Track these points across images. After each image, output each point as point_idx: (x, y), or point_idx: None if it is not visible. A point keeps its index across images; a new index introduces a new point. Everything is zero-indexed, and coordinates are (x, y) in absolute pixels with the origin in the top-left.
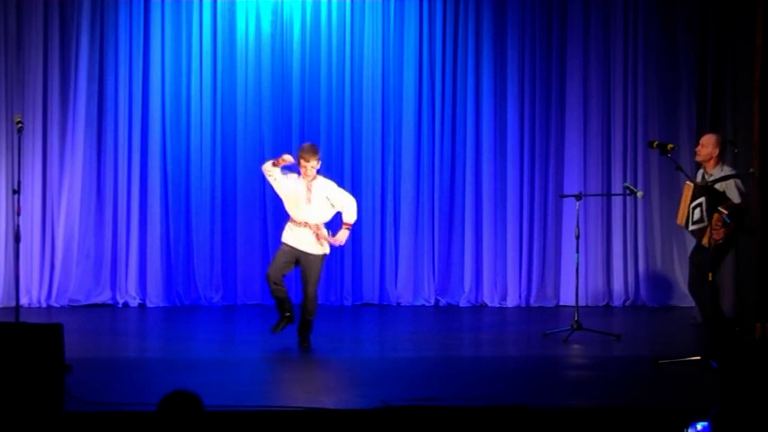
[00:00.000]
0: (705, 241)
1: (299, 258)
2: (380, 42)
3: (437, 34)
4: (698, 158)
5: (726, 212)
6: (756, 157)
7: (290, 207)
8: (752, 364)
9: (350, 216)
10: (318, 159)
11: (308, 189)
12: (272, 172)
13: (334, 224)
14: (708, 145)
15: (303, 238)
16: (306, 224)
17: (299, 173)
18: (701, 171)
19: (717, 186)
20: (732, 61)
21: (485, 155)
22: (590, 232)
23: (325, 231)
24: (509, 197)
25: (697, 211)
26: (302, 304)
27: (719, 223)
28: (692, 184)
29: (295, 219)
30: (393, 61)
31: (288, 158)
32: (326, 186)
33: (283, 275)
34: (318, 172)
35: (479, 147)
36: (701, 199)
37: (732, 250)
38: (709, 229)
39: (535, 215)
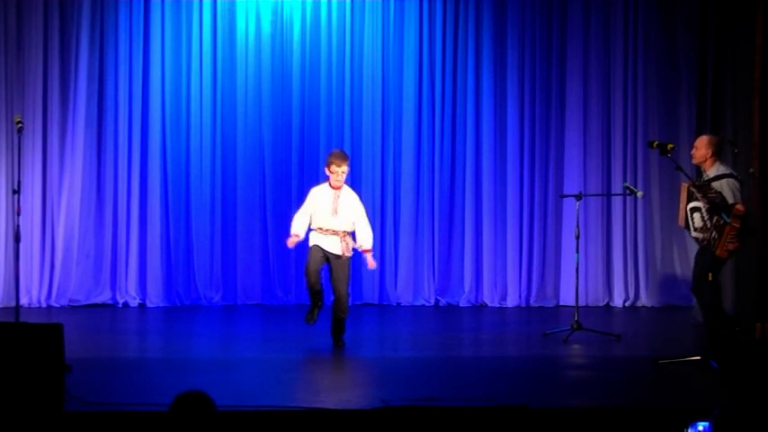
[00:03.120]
0: (719, 252)
1: (328, 259)
2: (380, 42)
3: (437, 34)
4: (693, 161)
5: (736, 226)
6: (756, 157)
7: (317, 217)
8: (752, 364)
9: (367, 241)
10: (348, 166)
11: (336, 199)
12: (306, 220)
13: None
14: (701, 147)
15: (331, 243)
16: (334, 232)
17: (326, 179)
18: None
19: (712, 185)
20: (732, 61)
21: (485, 155)
22: (590, 232)
23: (350, 240)
24: (509, 197)
25: (697, 216)
26: (334, 304)
27: (733, 233)
28: (686, 185)
29: (322, 227)
30: (393, 61)
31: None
32: (353, 199)
33: (319, 270)
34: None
35: (479, 147)
36: (698, 204)
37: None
38: (722, 241)
39: (535, 215)
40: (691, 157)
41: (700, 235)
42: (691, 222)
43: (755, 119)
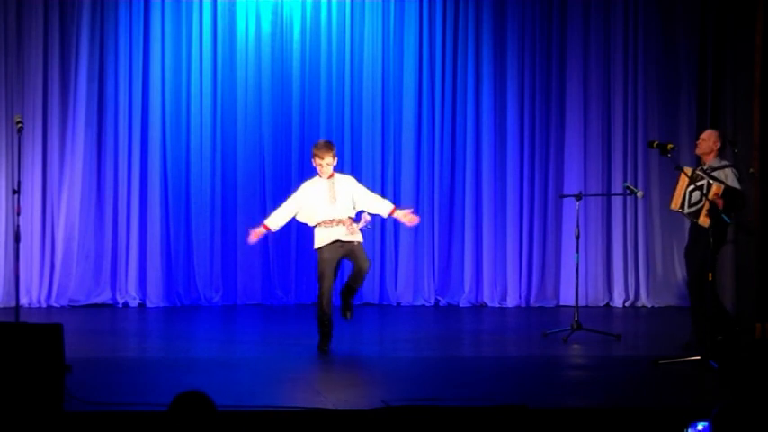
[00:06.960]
0: (702, 220)
1: (342, 254)
2: (380, 42)
3: (437, 34)
4: (697, 151)
5: (719, 195)
6: (756, 158)
7: (316, 214)
8: (752, 364)
9: (387, 204)
10: (334, 156)
11: (331, 187)
12: (286, 215)
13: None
14: (709, 139)
15: (338, 233)
16: (338, 221)
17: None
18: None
19: (715, 174)
20: (732, 61)
21: (485, 155)
22: (590, 232)
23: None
24: (509, 197)
25: (696, 193)
26: (353, 275)
27: (717, 194)
28: (688, 170)
29: (325, 220)
30: (393, 61)
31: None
32: (348, 182)
33: (332, 287)
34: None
35: (479, 147)
36: (702, 182)
37: (731, 249)
38: (705, 205)
39: (535, 215)
40: (695, 146)
41: (693, 208)
42: (687, 201)
43: (755, 119)
